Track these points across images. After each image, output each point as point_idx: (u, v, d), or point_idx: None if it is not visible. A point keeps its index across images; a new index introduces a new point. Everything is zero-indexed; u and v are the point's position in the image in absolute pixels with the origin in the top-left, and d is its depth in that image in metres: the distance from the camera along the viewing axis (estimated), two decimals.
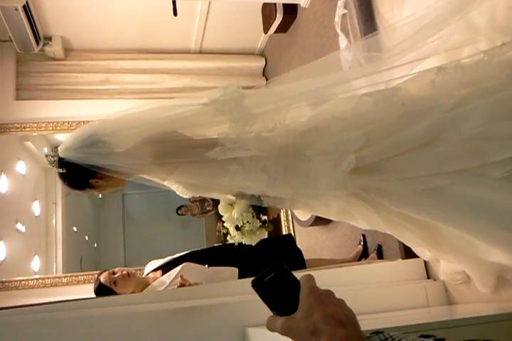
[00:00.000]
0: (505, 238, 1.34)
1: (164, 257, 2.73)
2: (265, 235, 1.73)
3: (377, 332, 0.68)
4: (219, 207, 1.71)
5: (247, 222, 1.64)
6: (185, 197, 1.64)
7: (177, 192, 1.63)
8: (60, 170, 1.58)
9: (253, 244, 1.69)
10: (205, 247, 2.76)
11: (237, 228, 1.66)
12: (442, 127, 1.42)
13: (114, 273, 2.50)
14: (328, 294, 0.70)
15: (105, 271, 2.56)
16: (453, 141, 1.38)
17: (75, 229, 4.89)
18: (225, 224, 1.69)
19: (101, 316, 1.80)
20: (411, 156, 1.43)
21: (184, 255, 2.64)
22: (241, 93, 1.56)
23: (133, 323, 1.78)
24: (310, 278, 0.71)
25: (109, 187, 1.67)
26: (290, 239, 2.99)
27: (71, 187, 1.65)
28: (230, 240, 1.69)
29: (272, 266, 0.71)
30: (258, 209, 1.67)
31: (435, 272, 2.06)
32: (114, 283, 2.45)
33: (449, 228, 1.50)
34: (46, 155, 1.62)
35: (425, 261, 2.10)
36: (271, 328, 0.71)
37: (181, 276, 2.30)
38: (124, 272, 2.49)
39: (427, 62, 1.65)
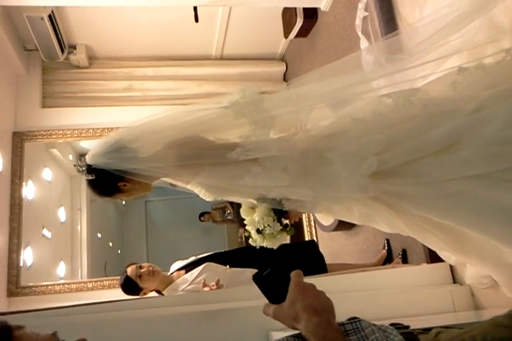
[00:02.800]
0: None
1: (188, 258, 2.81)
2: (287, 239, 1.72)
3: (354, 319, 0.85)
4: (241, 210, 1.71)
5: (268, 225, 1.63)
6: (207, 199, 1.65)
7: (200, 195, 1.64)
8: (89, 177, 1.61)
9: (274, 248, 1.69)
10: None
11: (259, 231, 1.66)
12: (464, 131, 1.39)
13: (141, 268, 2.59)
14: (310, 287, 0.86)
15: (133, 263, 2.64)
16: (474, 145, 1.36)
17: (99, 235, 4.96)
18: (246, 227, 1.69)
19: (126, 319, 1.81)
20: (432, 160, 1.41)
21: (207, 256, 2.70)
22: (260, 95, 1.57)
23: (157, 326, 1.78)
24: (299, 274, 0.88)
25: (136, 191, 1.69)
26: (313, 244, 2.98)
27: (100, 194, 1.68)
28: (251, 243, 1.69)
29: (269, 263, 0.88)
30: (279, 213, 1.66)
31: (461, 276, 2.01)
32: (140, 277, 2.54)
33: (472, 232, 1.47)
34: (74, 165, 1.65)
35: (451, 266, 2.05)
36: (265, 313, 0.89)
37: (203, 282, 2.34)
38: (151, 268, 2.58)
39: (449, 62, 1.63)
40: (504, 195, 1.31)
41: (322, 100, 1.65)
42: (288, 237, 1.78)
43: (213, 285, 2.30)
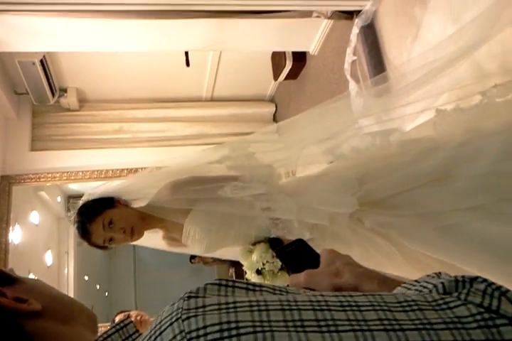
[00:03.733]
0: None
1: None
2: (288, 282, 1.66)
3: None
4: (238, 256, 1.66)
5: (267, 261, 1.57)
6: (203, 254, 1.65)
7: (195, 248, 1.64)
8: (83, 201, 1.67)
9: None
10: None
11: (258, 272, 1.60)
12: (453, 163, 1.41)
13: (128, 317, 2.48)
14: (347, 255, 0.76)
15: (122, 312, 2.62)
16: (467, 177, 1.37)
17: (86, 278, 4.85)
18: (246, 276, 1.64)
19: None
20: (424, 191, 1.42)
21: None
22: (248, 152, 1.65)
23: None
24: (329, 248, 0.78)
25: (129, 216, 1.66)
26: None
27: (91, 209, 1.65)
28: None
29: (293, 241, 0.80)
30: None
31: None
32: None
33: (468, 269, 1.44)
34: (67, 211, 1.70)
35: None
36: (294, 282, 0.74)
37: None
38: (138, 318, 2.52)
39: (438, 103, 1.66)
40: (498, 229, 1.30)
41: (311, 141, 1.71)
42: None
43: None
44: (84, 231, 1.64)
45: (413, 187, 1.43)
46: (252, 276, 1.62)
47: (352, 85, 2.92)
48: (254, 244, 1.61)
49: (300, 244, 0.79)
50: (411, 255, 1.49)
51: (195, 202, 1.58)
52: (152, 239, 1.82)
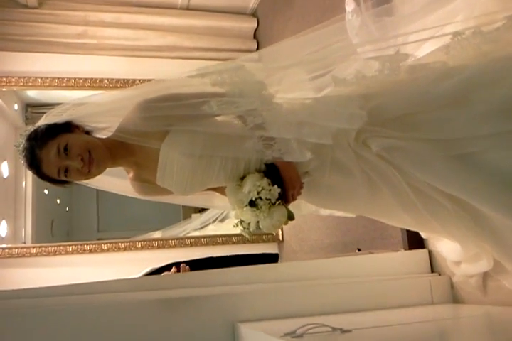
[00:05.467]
0: None
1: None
2: (285, 218, 1.37)
3: None
4: (226, 191, 1.43)
5: (262, 189, 1.32)
6: (184, 194, 1.48)
7: (170, 199, 1.57)
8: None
9: (274, 232, 1.44)
10: (187, 258, 2.57)
11: (252, 204, 1.34)
12: (472, 87, 1.27)
13: None
14: None
15: None
16: (488, 101, 1.24)
17: (46, 191, 4.68)
18: (235, 215, 1.42)
19: (74, 305, 1.60)
20: (440, 114, 1.29)
21: (166, 266, 2.44)
22: (238, 63, 1.45)
23: (109, 314, 1.57)
24: None
25: (87, 141, 1.45)
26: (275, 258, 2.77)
27: (47, 131, 1.43)
28: (244, 234, 1.40)
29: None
30: (273, 179, 1.37)
31: (440, 265, 1.88)
32: None
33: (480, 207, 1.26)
34: (15, 145, 1.47)
35: (430, 253, 1.92)
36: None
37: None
38: None
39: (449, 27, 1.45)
40: None
41: (302, 70, 1.53)
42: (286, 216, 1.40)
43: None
44: (33, 158, 1.41)
45: (427, 109, 1.31)
46: (243, 211, 1.38)
47: (349, 2, 2.62)
48: (242, 178, 1.39)
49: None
50: (419, 188, 1.32)
51: (173, 122, 1.36)
52: (118, 184, 1.67)
